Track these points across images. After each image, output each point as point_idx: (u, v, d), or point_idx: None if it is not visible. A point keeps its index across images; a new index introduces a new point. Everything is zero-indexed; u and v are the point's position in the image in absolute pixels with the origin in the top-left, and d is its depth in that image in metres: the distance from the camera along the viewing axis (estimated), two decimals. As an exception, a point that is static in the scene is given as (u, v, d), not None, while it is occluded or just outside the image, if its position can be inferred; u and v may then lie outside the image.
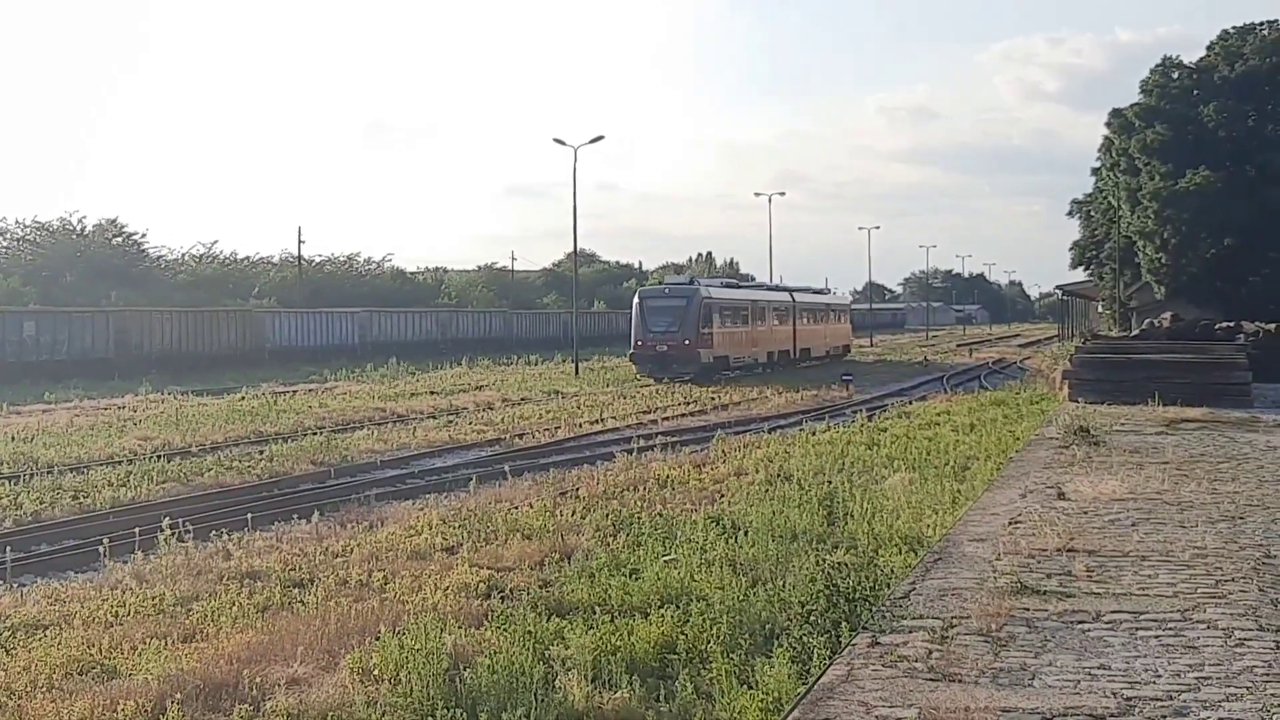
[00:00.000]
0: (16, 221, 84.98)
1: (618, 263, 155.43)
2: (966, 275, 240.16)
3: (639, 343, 58.96)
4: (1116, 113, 69.68)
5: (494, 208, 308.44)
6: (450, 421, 38.12)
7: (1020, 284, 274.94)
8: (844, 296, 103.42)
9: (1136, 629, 9.81)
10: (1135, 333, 42.03)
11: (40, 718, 10.08)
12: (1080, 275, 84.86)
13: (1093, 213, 77.96)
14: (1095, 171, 76.44)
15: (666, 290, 61.99)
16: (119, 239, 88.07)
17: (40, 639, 12.92)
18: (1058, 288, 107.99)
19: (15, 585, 15.88)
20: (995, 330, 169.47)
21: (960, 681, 8.47)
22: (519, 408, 42.84)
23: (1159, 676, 8.56)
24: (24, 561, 17.55)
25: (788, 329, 71.67)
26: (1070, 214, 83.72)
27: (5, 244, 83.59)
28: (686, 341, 57.47)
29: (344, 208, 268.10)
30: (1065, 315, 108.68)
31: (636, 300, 61.21)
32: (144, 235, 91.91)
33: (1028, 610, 10.40)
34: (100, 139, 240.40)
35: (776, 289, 77.02)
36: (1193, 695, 8.13)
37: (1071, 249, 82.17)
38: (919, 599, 10.90)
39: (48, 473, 25.44)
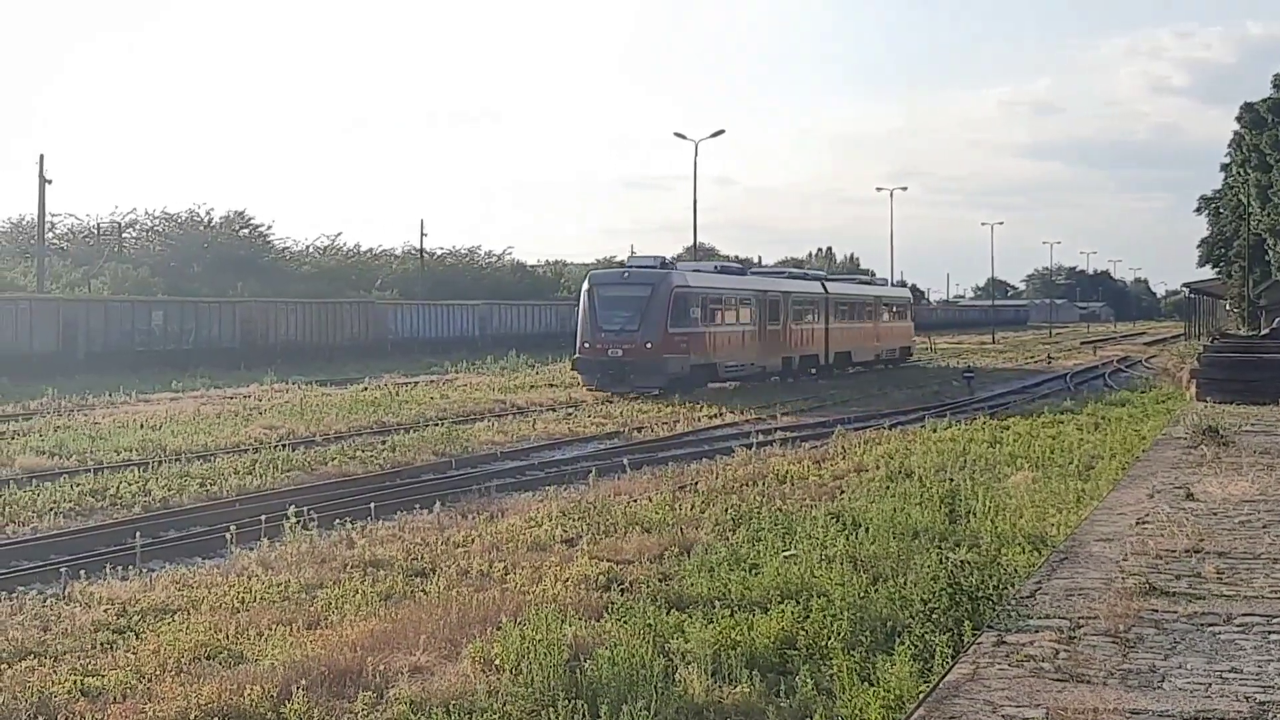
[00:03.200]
0: (146, 213, 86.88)
1: (736, 257, 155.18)
2: (1091, 272, 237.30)
3: (586, 344, 45.67)
4: (1248, 107, 68.51)
5: (612, 201, 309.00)
6: (569, 414, 38.27)
7: (1145, 281, 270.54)
8: (900, 289, 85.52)
9: (1269, 632, 9.62)
10: (1265, 331, 41.30)
11: (169, 700, 10.22)
12: (1208, 273, 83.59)
13: (1221, 209, 76.75)
14: (1224, 167, 75.33)
15: (626, 275, 47.69)
16: (245, 231, 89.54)
17: (169, 624, 13.13)
18: (1185, 285, 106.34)
19: (145, 570, 16.13)
20: (1120, 328, 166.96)
21: (1088, 682, 8.35)
22: (636, 401, 42.92)
23: (1293, 681, 8.39)
24: (153, 547, 17.83)
25: (816, 328, 57.80)
26: (1198, 210, 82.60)
27: (135, 235, 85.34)
28: (649, 344, 44.31)
29: (464, 201, 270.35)
30: (1192, 313, 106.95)
31: (585, 288, 47.40)
32: (270, 227, 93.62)
33: (1156, 611, 10.24)
34: (230, 131, 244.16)
35: (800, 276, 62.36)
36: (1329, 701, 7.96)
37: (1199, 246, 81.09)
38: (1045, 598, 10.78)
39: (175, 460, 25.85)
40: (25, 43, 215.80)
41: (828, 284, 61.49)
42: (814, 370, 57.06)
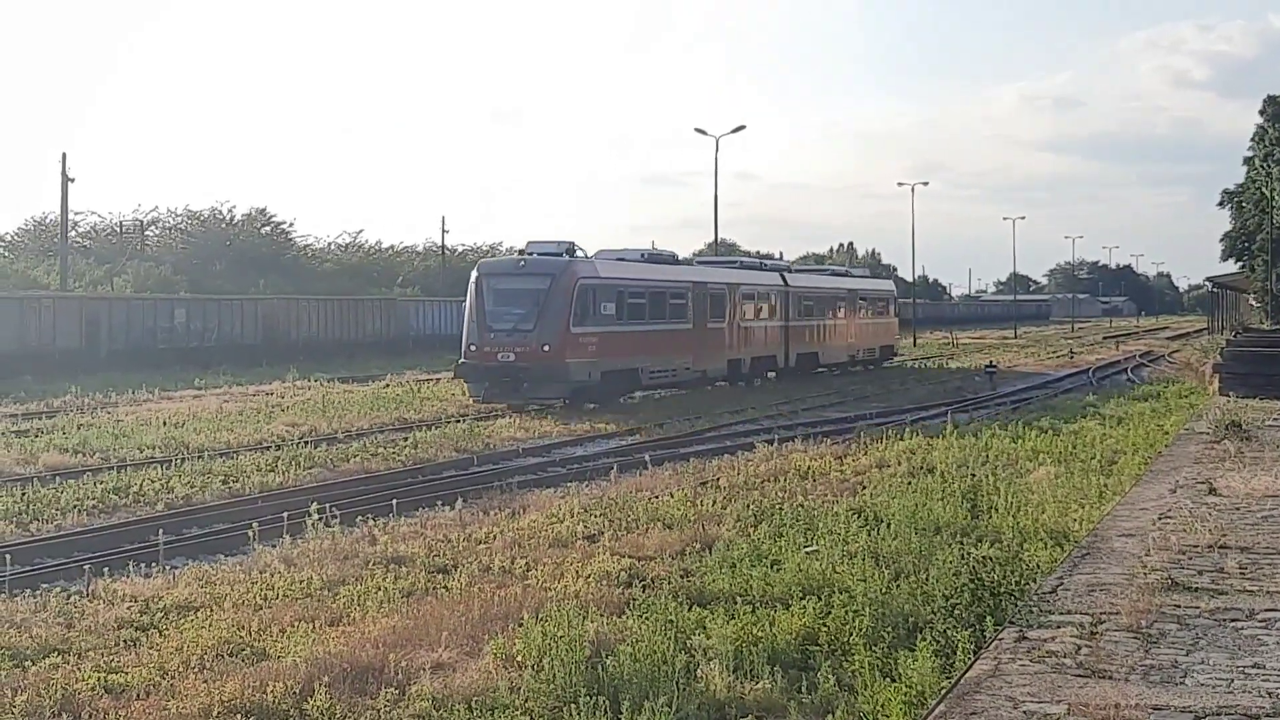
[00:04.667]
0: (169, 211, 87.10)
1: (758, 253, 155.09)
2: (1113, 267, 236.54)
3: (472, 347, 38.72)
4: (1271, 100, 68.21)
5: (632, 197, 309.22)
6: (591, 410, 38.30)
7: (1168, 276, 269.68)
8: (882, 281, 76.57)
9: (1292, 628, 9.59)
10: (1289, 326, 41.14)
11: (192, 697, 10.26)
12: (1231, 267, 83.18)
13: (1244, 203, 76.39)
14: (1247, 161, 74.91)
15: (521, 264, 40.16)
16: (267, 228, 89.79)
17: (191, 620, 13.17)
18: (1207, 279, 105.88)
19: (168, 567, 16.18)
20: (1142, 323, 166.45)
21: (1110, 678, 8.33)
22: (657, 397, 42.86)
23: (1316, 677, 8.36)
24: (176, 544, 17.89)
25: (772, 326, 51.20)
26: (1220, 204, 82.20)
27: (158, 233, 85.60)
28: (547, 346, 37.50)
29: (486, 197, 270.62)
30: (1215, 308, 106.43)
31: (474, 278, 39.95)
32: (291, 224, 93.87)
33: (1179, 607, 10.21)
34: (251, 129, 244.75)
35: (754, 266, 54.90)
36: (1352, 697, 7.93)
37: (1222, 240, 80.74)
38: (1067, 594, 10.76)
39: (198, 457, 25.91)
40: (49, 43, 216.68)
41: (789, 275, 54.99)
42: (771, 374, 51.27)
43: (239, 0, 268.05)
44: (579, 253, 40.84)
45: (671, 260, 47.16)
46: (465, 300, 40.75)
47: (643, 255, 45.63)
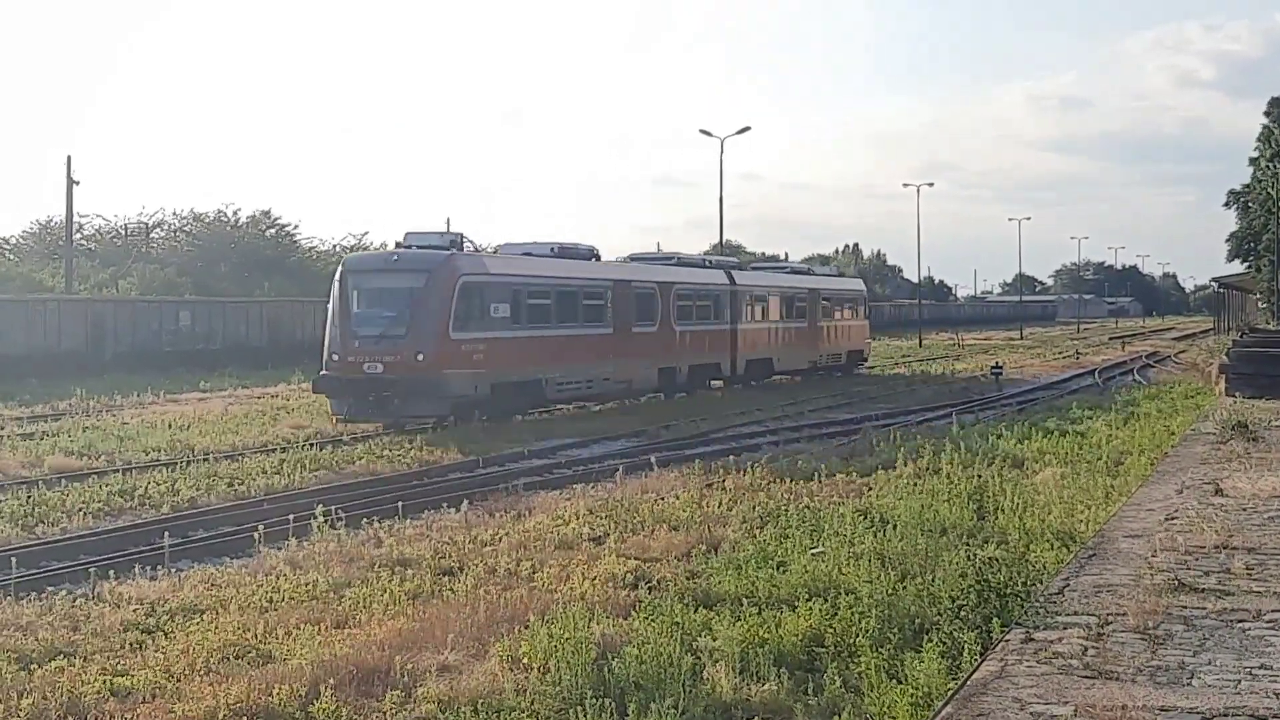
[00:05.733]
0: (174, 213, 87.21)
1: (763, 254, 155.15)
2: (1119, 267, 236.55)
3: (334, 356, 33.11)
4: (1276, 101, 68.14)
5: (639, 199, 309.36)
6: (596, 411, 38.25)
7: (1174, 276, 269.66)
8: (849, 280, 70.26)
9: (1300, 629, 9.57)
10: (1295, 326, 41.09)
11: (198, 700, 10.25)
12: (1237, 267, 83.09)
13: (1250, 204, 76.30)
14: (1253, 161, 74.80)
15: (395, 259, 34.79)
16: (272, 230, 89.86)
17: (197, 623, 13.16)
18: (1213, 280, 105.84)
19: (173, 570, 16.16)
20: (1148, 323, 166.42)
21: (1117, 679, 8.32)
22: (666, 399, 42.85)
23: (1324, 678, 8.34)
24: (181, 547, 17.85)
25: (717, 330, 46.22)
26: (1227, 205, 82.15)
27: (162, 235, 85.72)
28: (420, 355, 32.06)
29: (491, 198, 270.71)
30: (1221, 308, 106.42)
31: (338, 275, 34.58)
32: (296, 226, 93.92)
33: (1185, 608, 10.20)
34: (256, 131, 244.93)
35: (694, 264, 47.87)
36: (1360, 698, 7.91)
37: (1228, 240, 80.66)
38: (1073, 595, 10.75)
39: (203, 460, 25.89)
40: (52, 46, 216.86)
41: (737, 273, 49.73)
42: (716, 383, 47.08)
43: (243, 2, 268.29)
44: (468, 246, 36.29)
45: (588, 256, 41.38)
46: (328, 302, 34.84)
47: (553, 250, 39.77)
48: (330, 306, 34.16)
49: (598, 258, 41.86)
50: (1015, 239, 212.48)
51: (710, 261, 49.02)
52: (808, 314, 53.88)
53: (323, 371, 33.58)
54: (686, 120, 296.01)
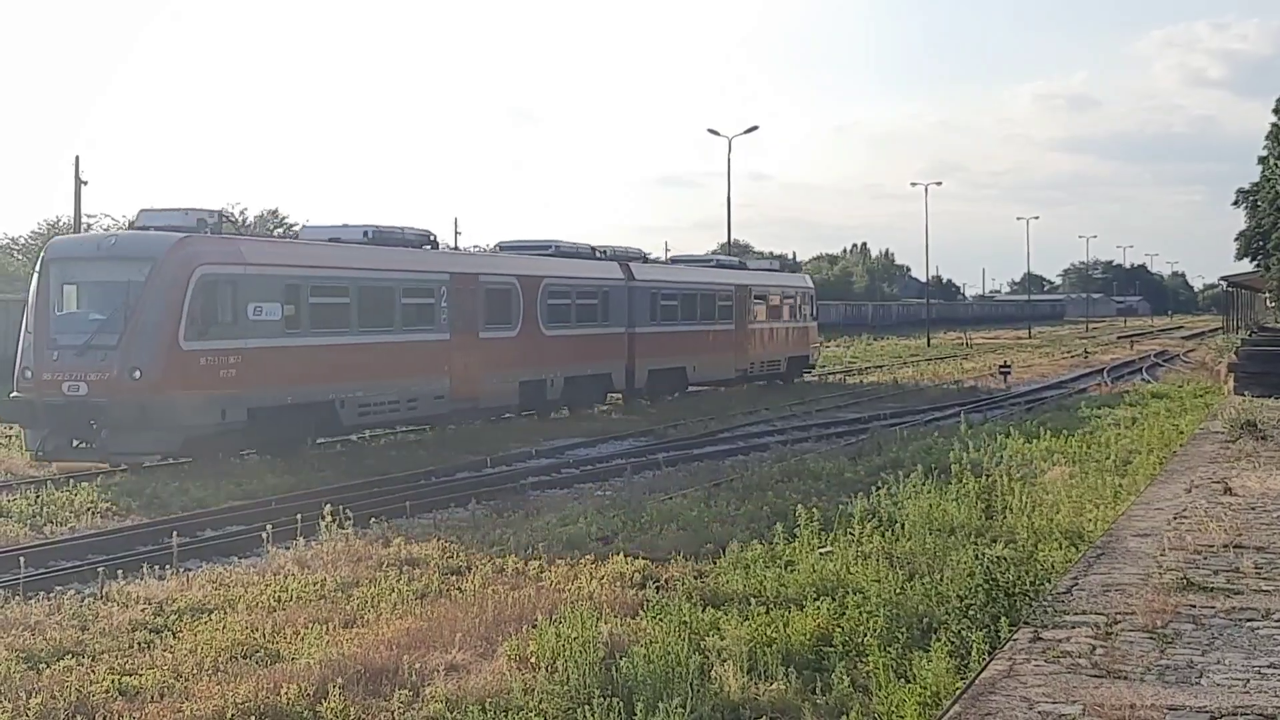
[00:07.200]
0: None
1: (771, 254, 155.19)
2: (1128, 266, 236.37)
3: (27, 372, 24.96)
4: (1285, 99, 67.94)
5: (648, 198, 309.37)
6: (604, 411, 38.26)
7: (1183, 275, 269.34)
8: (792, 275, 60.55)
9: (1309, 628, 9.55)
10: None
11: (206, 699, 10.26)
12: (1246, 266, 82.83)
13: (1259, 202, 75.98)
14: (1262, 160, 74.55)
15: (113, 243, 26.57)
16: (279, 229, 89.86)
17: (205, 622, 13.17)
18: (1222, 278, 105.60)
19: (181, 570, 16.17)
20: (1157, 322, 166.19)
21: (1125, 678, 8.30)
22: (671, 399, 42.87)
23: (1333, 677, 8.32)
24: (190, 546, 17.88)
25: (607, 334, 39.01)
26: (1235, 203, 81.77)
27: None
28: (137, 373, 23.91)
29: (499, 198, 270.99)
30: (1230, 307, 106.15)
31: (38, 265, 26.38)
32: (304, 225, 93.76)
33: (1194, 607, 10.18)
34: (263, 129, 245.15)
35: (579, 254, 39.85)
36: (1369, 697, 7.89)
37: (1237, 239, 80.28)
38: (1082, 594, 10.73)
39: (212, 459, 25.92)
40: (62, 46, 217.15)
41: (636, 266, 41.93)
42: (615, 396, 40.41)
43: (253, 1, 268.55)
44: (225, 228, 28.25)
45: (419, 242, 32.97)
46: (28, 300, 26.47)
47: (366, 234, 30.84)
48: (28, 307, 25.99)
49: (434, 245, 34.10)
50: (1024, 238, 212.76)
51: (603, 253, 40.98)
52: (734, 314, 46.40)
53: (13, 393, 25.32)
54: (694, 120, 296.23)
